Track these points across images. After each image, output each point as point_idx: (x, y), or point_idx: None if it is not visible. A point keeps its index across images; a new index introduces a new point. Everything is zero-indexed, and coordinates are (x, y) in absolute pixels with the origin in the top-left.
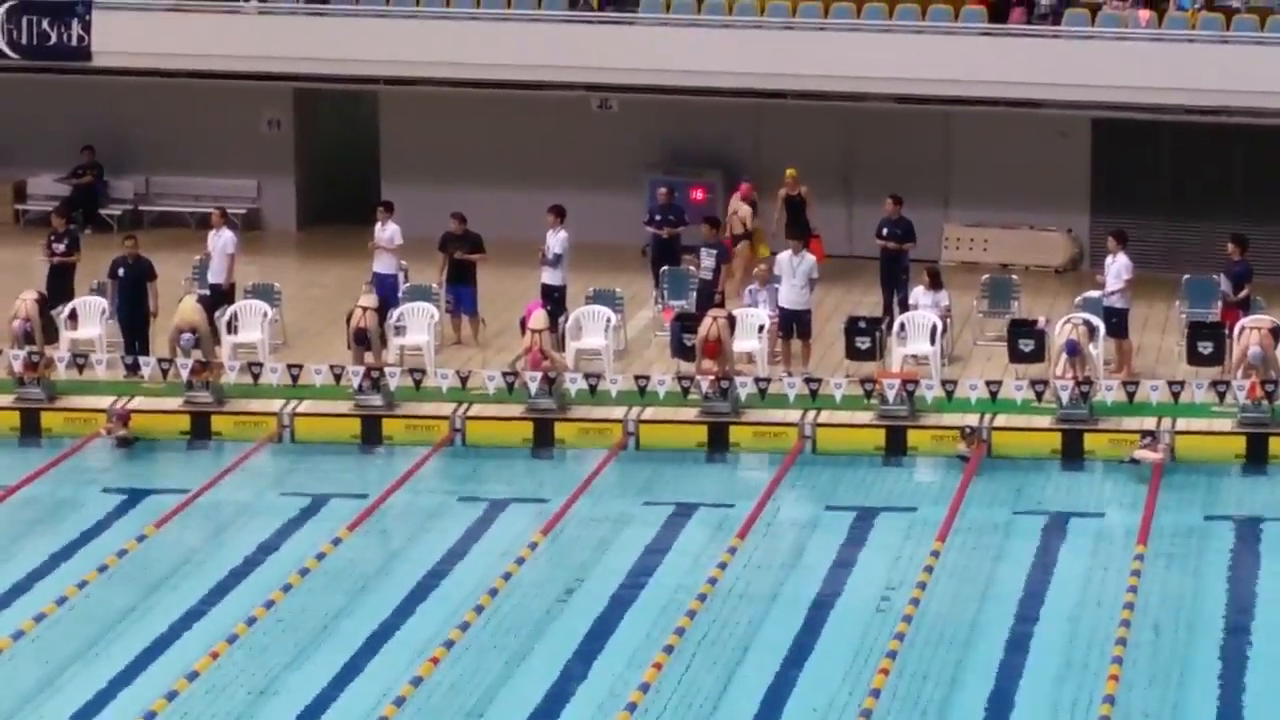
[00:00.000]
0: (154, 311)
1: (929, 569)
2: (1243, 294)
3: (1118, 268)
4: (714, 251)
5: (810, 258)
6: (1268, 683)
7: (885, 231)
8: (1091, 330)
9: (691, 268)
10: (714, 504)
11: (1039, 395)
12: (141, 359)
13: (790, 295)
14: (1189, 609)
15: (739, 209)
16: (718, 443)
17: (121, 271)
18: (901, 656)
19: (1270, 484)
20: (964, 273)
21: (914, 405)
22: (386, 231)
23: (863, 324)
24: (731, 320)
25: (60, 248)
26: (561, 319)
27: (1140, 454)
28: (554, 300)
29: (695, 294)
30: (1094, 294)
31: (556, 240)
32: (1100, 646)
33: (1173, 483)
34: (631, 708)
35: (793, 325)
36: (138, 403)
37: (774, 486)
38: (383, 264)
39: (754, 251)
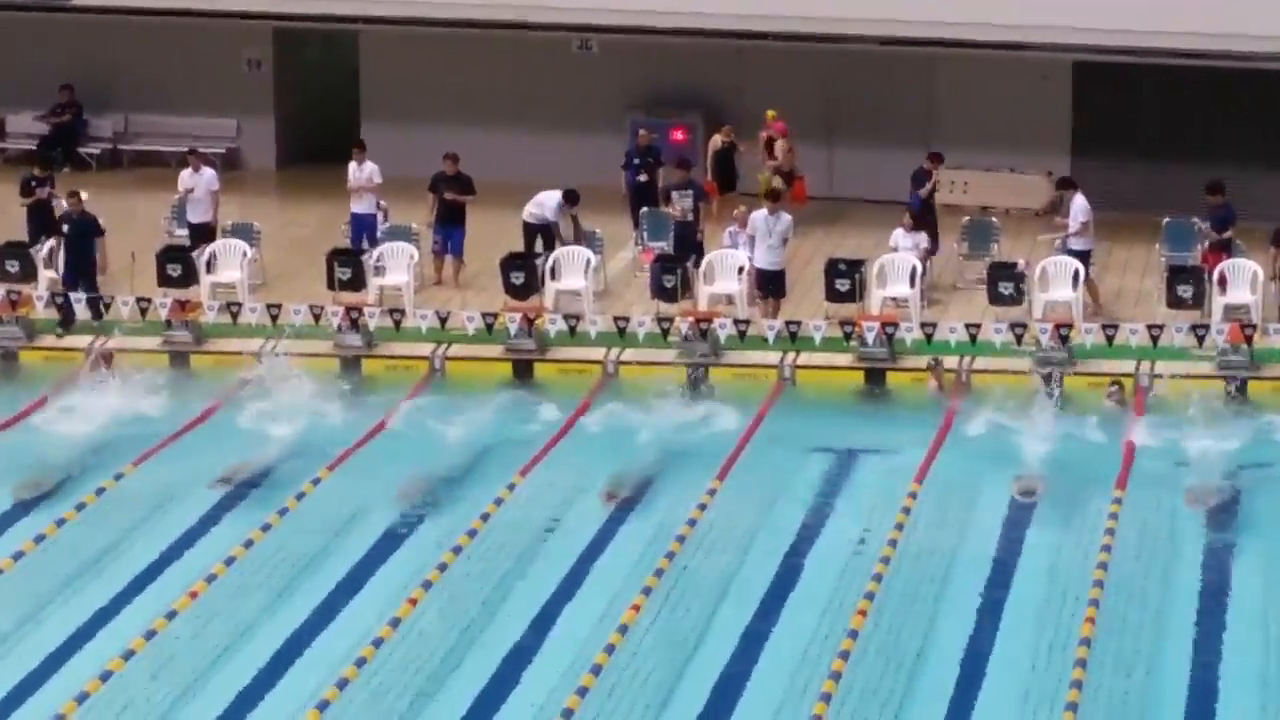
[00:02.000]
0: (102, 268)
1: (906, 510)
2: (1226, 234)
3: (1075, 210)
4: (688, 193)
5: (787, 217)
6: (1242, 625)
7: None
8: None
9: (667, 209)
10: (694, 444)
11: (1018, 338)
12: (103, 299)
13: (766, 255)
14: (1166, 552)
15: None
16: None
17: (66, 228)
18: (879, 598)
19: (1249, 427)
20: (944, 215)
21: (894, 348)
22: (364, 171)
23: (842, 266)
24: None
25: (44, 191)
26: (541, 259)
27: (1107, 401)
28: (544, 235)
29: (673, 236)
30: (1048, 236)
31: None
32: (1077, 589)
33: (1152, 425)
34: (610, 649)
35: (768, 285)
36: (116, 341)
37: (753, 428)
38: (361, 204)
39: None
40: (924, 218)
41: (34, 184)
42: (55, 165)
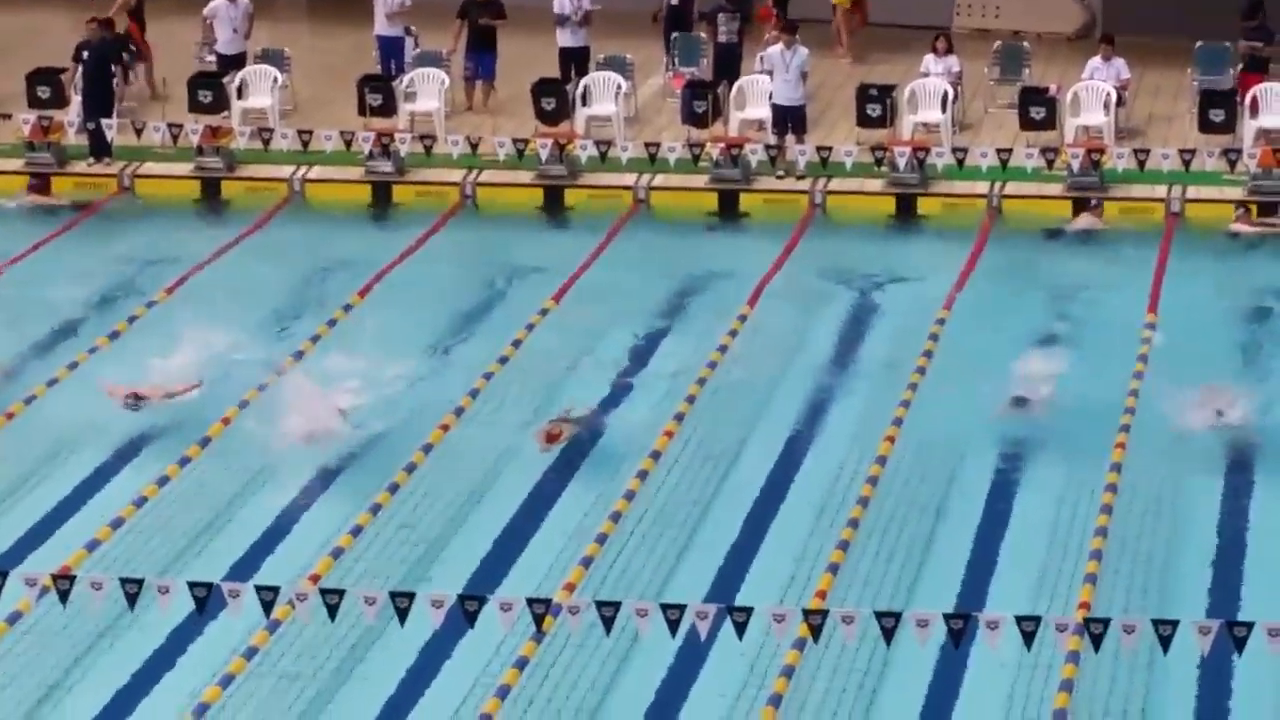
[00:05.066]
0: (120, 97)
1: (934, 337)
2: (1265, 52)
3: (1115, 69)
4: (735, 15)
5: (803, 51)
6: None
7: None
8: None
9: (703, 34)
10: (724, 270)
11: (1050, 163)
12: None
13: (784, 91)
14: (1199, 375)
15: None
16: (728, 210)
17: (85, 55)
18: (906, 425)
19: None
20: (976, 39)
21: (924, 173)
22: None
23: (874, 91)
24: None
25: None
26: (571, 85)
27: (1237, 226)
28: (576, 63)
29: (714, 60)
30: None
31: None
32: (1110, 418)
33: (1183, 251)
34: (642, 475)
35: (787, 122)
36: (148, 168)
37: (785, 255)
38: (388, 27)
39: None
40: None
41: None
42: None
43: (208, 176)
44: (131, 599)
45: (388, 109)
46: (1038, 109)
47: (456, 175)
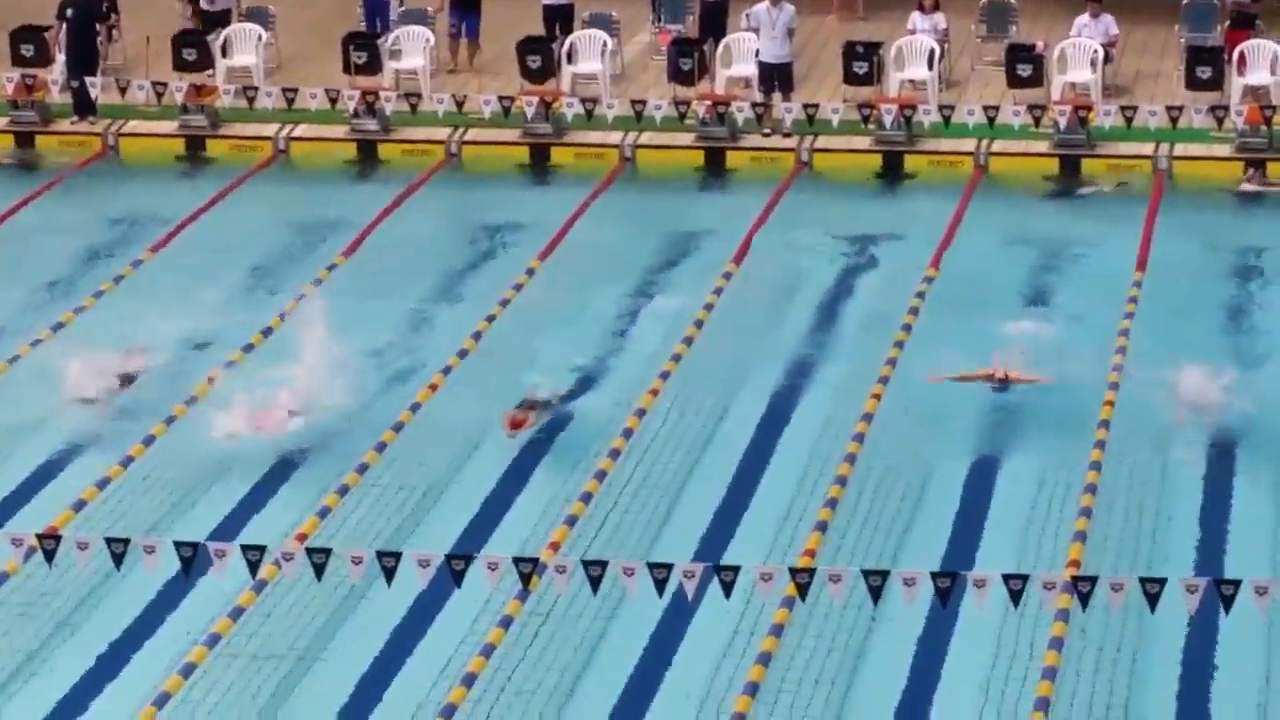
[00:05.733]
0: (104, 55)
1: (921, 295)
2: (1254, 8)
3: (1104, 26)
4: None
5: (790, 8)
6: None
7: None
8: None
9: None
10: (710, 228)
11: (1037, 120)
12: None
13: (770, 48)
14: (1184, 330)
15: None
16: (715, 168)
17: (70, 12)
18: (893, 382)
19: (1269, 210)
20: None
21: (911, 130)
22: None
23: (860, 49)
24: None
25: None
26: (557, 43)
27: (1248, 186)
28: (562, 19)
29: (700, 17)
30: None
31: None
32: (1098, 376)
33: (1171, 208)
34: (627, 434)
35: (774, 79)
36: (132, 126)
37: (769, 211)
38: None
39: None
40: None
41: None
42: None
43: (192, 135)
44: (118, 559)
45: (372, 67)
46: (1025, 66)
47: (442, 133)
